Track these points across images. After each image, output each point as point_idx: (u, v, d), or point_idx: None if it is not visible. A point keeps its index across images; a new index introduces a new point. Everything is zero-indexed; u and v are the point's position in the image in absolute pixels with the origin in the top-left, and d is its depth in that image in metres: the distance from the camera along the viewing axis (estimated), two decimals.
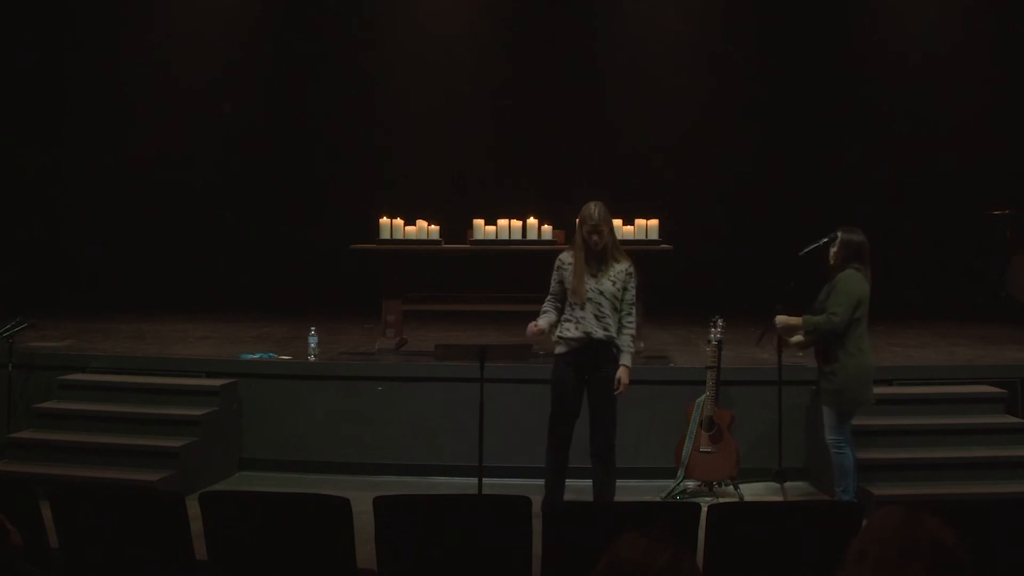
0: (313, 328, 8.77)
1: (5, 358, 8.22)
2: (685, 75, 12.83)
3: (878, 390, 7.13)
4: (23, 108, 12.77)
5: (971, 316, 11.26)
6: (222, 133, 12.95)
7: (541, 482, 6.75)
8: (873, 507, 6.49)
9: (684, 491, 7.64)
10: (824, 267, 6.96)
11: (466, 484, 7.44)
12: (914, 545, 2.50)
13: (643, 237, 8.99)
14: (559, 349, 6.61)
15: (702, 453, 7.58)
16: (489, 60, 12.98)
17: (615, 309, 6.52)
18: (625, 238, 8.92)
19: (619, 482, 6.87)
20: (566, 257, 6.67)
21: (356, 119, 12.98)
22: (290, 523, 4.53)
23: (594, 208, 6.52)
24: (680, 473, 7.63)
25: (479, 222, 9.07)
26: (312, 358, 8.68)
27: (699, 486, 7.70)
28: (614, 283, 6.51)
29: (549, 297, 6.69)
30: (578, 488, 6.90)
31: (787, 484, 7.57)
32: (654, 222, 9.05)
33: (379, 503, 4.51)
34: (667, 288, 10.17)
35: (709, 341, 7.60)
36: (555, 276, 6.67)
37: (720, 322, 7.56)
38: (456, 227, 9.40)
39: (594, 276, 6.51)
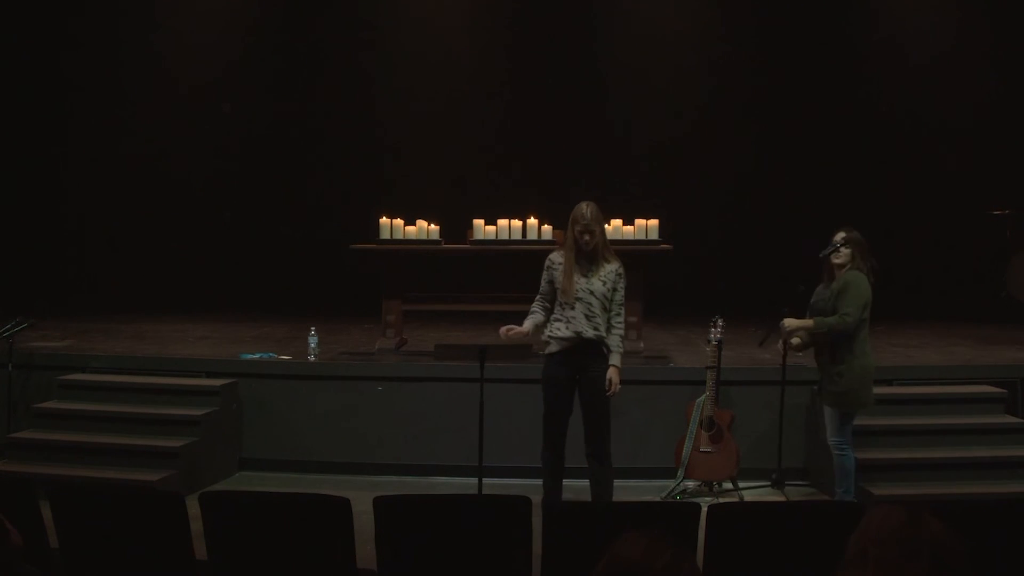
0: (313, 328, 8.77)
1: (5, 358, 8.22)
2: (685, 75, 12.83)
3: (878, 390, 7.13)
4: (23, 108, 12.77)
5: (971, 316, 11.26)
6: (222, 133, 12.95)
7: (540, 482, 6.75)
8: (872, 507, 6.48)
9: (684, 491, 7.64)
10: (821, 268, 6.96)
11: (466, 484, 7.44)
12: (915, 545, 2.50)
13: (643, 237, 8.99)
14: (550, 348, 6.62)
15: (702, 453, 7.58)
16: (489, 60, 12.97)
17: (605, 309, 6.52)
18: (625, 238, 8.94)
19: (619, 482, 6.86)
20: (556, 257, 6.67)
21: (356, 119, 12.97)
22: (290, 523, 4.52)
23: (586, 208, 6.52)
24: (680, 473, 7.63)
25: (479, 222, 9.07)
26: (312, 358, 8.68)
27: (699, 486, 7.70)
28: (604, 283, 6.52)
29: (538, 297, 6.69)
30: (578, 488, 6.90)
31: (787, 484, 7.56)
32: (654, 222, 9.05)
33: (379, 503, 4.51)
34: (667, 288, 10.18)
35: (709, 341, 7.60)
36: (545, 276, 6.67)
37: (720, 322, 7.56)
38: (456, 227, 9.40)
39: (584, 276, 6.52)
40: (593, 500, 6.51)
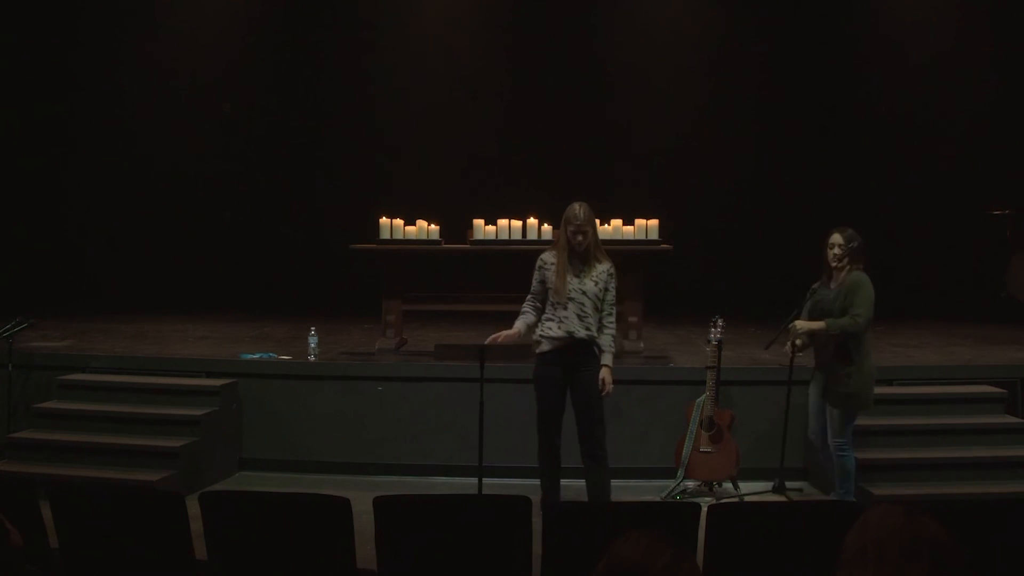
0: (313, 328, 8.77)
1: (5, 358, 8.22)
2: (686, 75, 12.83)
3: (878, 390, 7.13)
4: (24, 108, 12.77)
5: (971, 316, 11.26)
6: (222, 133, 12.95)
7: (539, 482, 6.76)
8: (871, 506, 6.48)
9: (684, 491, 7.64)
10: (821, 269, 6.96)
11: (466, 484, 7.44)
12: (914, 545, 2.50)
13: (643, 237, 8.99)
14: (541, 348, 6.63)
15: (702, 453, 7.58)
16: (489, 60, 12.97)
17: (597, 309, 6.54)
18: (625, 238, 8.94)
19: (619, 482, 6.87)
20: (548, 257, 6.68)
21: (356, 119, 12.97)
22: (290, 523, 4.52)
23: (579, 208, 6.53)
24: (680, 473, 7.63)
25: (479, 222, 9.07)
26: (312, 358, 8.68)
27: (699, 486, 7.70)
28: (596, 283, 6.53)
29: (529, 297, 6.70)
30: (578, 488, 6.89)
31: (787, 484, 7.56)
32: (654, 222, 9.04)
33: (379, 503, 4.50)
34: (667, 288, 10.19)
35: (709, 341, 7.60)
36: (536, 276, 6.68)
37: (720, 322, 7.56)
38: (456, 227, 9.40)
39: (577, 276, 6.52)
40: (590, 500, 6.51)
